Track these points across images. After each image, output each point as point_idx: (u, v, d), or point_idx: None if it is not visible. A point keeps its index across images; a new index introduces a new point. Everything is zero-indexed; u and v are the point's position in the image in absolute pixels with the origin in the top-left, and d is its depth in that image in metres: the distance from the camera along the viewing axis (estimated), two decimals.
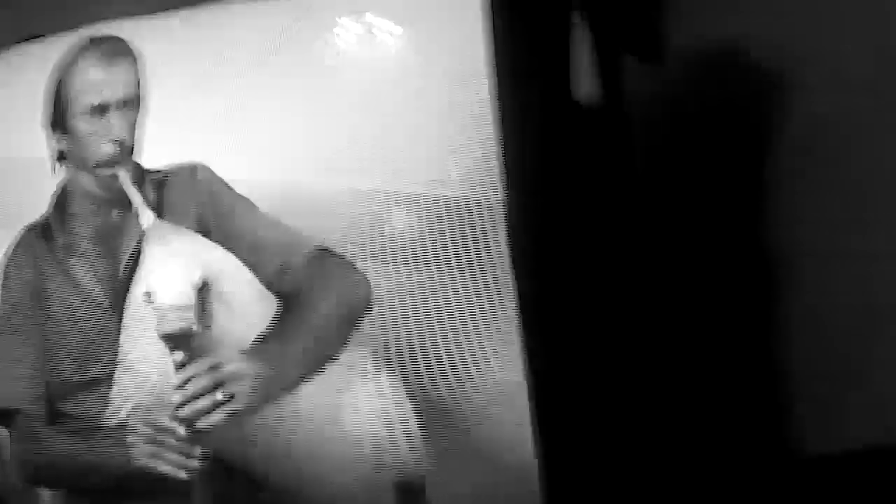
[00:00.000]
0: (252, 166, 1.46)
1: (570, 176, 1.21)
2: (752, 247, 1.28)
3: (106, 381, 1.38)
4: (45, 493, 1.46)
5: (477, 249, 1.25)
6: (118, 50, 1.42)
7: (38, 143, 1.47)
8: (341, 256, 1.34)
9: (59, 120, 1.45)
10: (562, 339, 1.22)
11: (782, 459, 1.26)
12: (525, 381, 1.19)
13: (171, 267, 1.28)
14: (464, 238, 1.26)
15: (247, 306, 1.31)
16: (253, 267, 1.34)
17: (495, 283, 1.24)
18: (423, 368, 1.28)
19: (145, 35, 1.44)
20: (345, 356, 1.29)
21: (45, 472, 1.43)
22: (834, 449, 1.24)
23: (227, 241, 1.36)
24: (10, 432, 1.45)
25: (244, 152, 1.47)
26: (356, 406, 1.28)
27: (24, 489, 1.46)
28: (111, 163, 1.41)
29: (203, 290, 1.27)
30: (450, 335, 1.26)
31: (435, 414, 1.28)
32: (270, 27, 1.42)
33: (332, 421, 1.28)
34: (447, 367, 1.26)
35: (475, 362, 1.25)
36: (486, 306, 1.25)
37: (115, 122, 1.40)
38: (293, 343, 1.29)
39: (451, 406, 1.26)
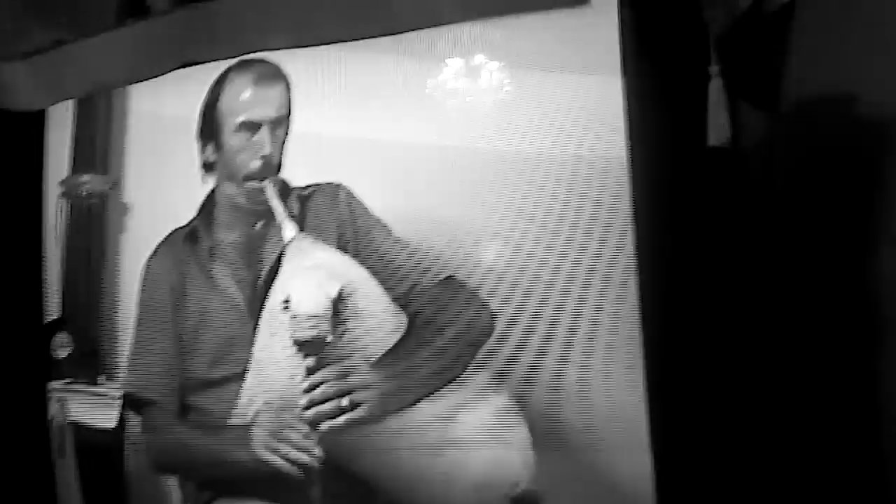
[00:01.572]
0: (385, 191, 1.52)
1: (700, 220, 1.21)
2: (866, 294, 1.24)
3: (236, 380, 1.47)
4: (172, 481, 1.55)
5: (604, 282, 1.29)
6: (271, 72, 1.53)
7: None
8: (467, 286, 1.39)
9: (211, 134, 1.56)
10: (684, 360, 1.21)
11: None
12: (644, 404, 1.20)
13: (311, 278, 1.37)
14: (590, 266, 1.30)
15: (377, 321, 1.37)
16: (385, 285, 1.41)
17: (618, 302, 1.26)
18: (539, 386, 1.32)
19: (297, 59, 1.52)
20: (464, 375, 1.34)
21: (171, 459, 1.53)
22: None
23: (364, 258, 1.44)
24: (143, 420, 1.55)
25: (377, 177, 1.54)
26: (472, 423, 1.33)
27: (152, 474, 1.56)
28: (258, 176, 1.51)
29: (339, 302, 1.35)
30: (568, 353, 1.30)
31: (550, 434, 1.31)
32: (405, 62, 1.47)
33: (447, 436, 1.33)
34: (563, 384, 1.30)
35: (593, 381, 1.29)
36: (607, 325, 1.28)
37: (266, 140, 1.51)
38: (418, 362, 1.36)
39: (567, 426, 1.30)
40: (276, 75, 1.53)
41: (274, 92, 1.53)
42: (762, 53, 1.20)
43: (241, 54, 1.50)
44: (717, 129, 1.11)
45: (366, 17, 1.36)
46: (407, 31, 1.35)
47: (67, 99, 1.57)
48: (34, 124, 1.57)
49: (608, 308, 1.28)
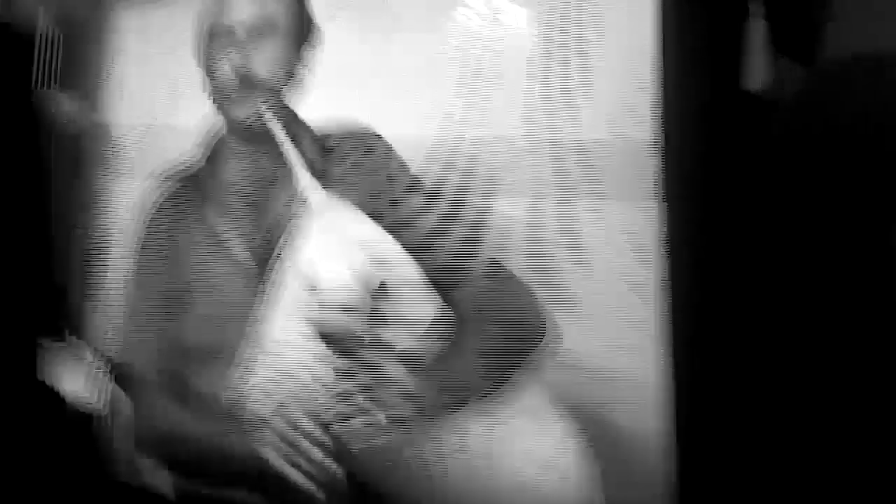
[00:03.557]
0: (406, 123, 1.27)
1: (731, 171, 1.13)
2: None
3: (245, 357, 1.23)
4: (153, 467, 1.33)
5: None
6: None
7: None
8: (517, 277, 1.17)
9: (199, 53, 1.30)
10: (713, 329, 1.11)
11: None
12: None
13: (343, 258, 1.11)
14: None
15: (418, 315, 1.14)
16: (429, 272, 1.17)
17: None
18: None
19: None
20: (515, 395, 1.12)
21: (162, 447, 1.30)
22: None
23: (400, 231, 1.19)
24: (131, 399, 1.32)
25: (399, 109, 1.28)
26: (528, 451, 1.11)
27: (135, 458, 1.34)
28: (232, 90, 1.25)
29: (377, 293, 1.10)
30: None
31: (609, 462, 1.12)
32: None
33: (499, 465, 1.12)
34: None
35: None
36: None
37: (238, 47, 1.25)
38: (461, 368, 1.13)
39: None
40: None
41: None
42: (802, 4, 1.13)
43: None
44: (755, 72, 1.06)
45: None
46: None
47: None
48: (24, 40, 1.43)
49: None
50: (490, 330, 1.15)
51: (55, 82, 1.42)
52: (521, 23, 1.23)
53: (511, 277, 1.17)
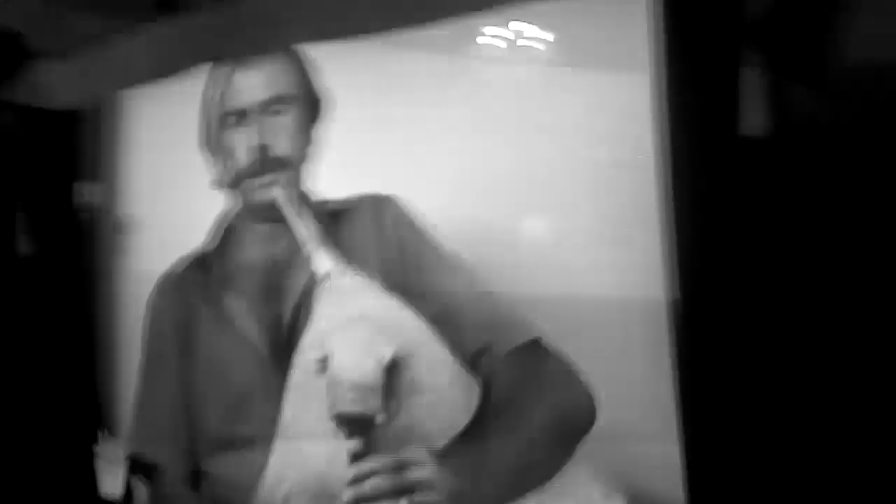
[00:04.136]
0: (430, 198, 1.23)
1: (733, 208, 1.08)
2: None
3: (258, 444, 1.18)
4: None
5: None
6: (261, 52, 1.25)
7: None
8: (560, 355, 1.08)
9: (208, 140, 1.28)
10: (717, 364, 1.04)
11: None
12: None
13: (355, 334, 1.06)
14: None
15: (441, 393, 1.07)
16: (450, 339, 1.11)
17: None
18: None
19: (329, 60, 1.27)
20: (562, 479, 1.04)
21: None
22: None
23: (419, 300, 1.13)
24: (149, 488, 1.28)
25: (422, 185, 1.25)
26: None
27: None
28: (251, 174, 1.22)
29: (392, 369, 1.05)
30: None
31: None
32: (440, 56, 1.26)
33: None
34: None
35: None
36: None
37: (254, 128, 1.22)
38: (496, 454, 1.04)
39: None
40: (267, 54, 1.25)
41: (264, 69, 1.24)
42: (805, 30, 1.10)
43: (270, 50, 1.26)
44: (750, 117, 1.02)
45: (402, 5, 1.18)
46: (445, 20, 1.16)
47: (102, 96, 1.46)
48: (71, 123, 1.49)
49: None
50: (532, 414, 1.07)
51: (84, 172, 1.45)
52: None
53: (552, 355, 1.09)
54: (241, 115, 1.24)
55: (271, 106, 1.24)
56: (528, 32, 1.17)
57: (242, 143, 1.23)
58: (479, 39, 1.19)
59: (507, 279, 1.17)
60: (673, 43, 1.06)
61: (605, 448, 1.06)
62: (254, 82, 1.24)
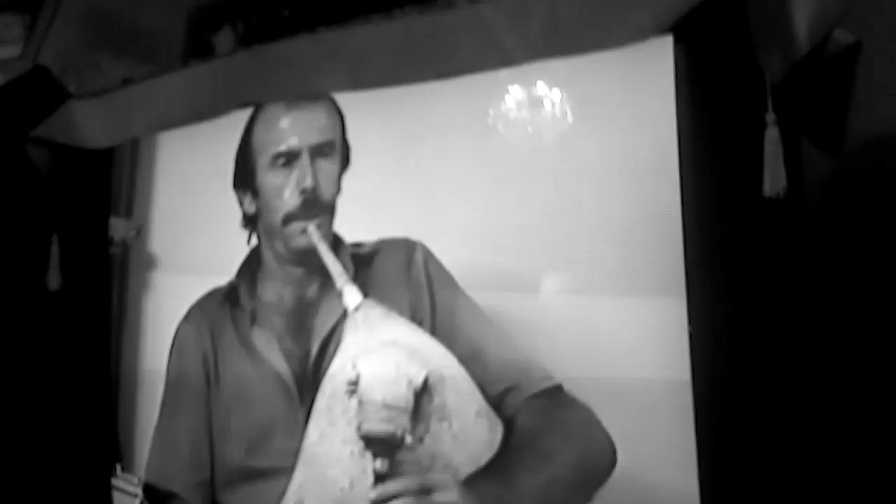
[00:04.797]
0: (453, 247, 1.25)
1: (756, 271, 1.07)
2: None
3: (279, 475, 1.19)
4: None
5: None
6: (309, 95, 1.28)
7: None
8: (581, 403, 1.09)
9: (246, 180, 1.31)
10: (743, 433, 1.01)
11: None
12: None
13: (388, 357, 1.09)
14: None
15: (467, 423, 1.08)
16: (476, 379, 1.12)
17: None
18: None
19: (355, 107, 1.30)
20: None
21: None
22: None
23: (448, 339, 1.15)
24: None
25: (441, 233, 1.27)
26: None
27: None
28: (301, 217, 1.24)
29: (423, 393, 1.07)
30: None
31: None
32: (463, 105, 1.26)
33: None
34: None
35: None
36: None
37: (307, 170, 1.25)
38: (517, 491, 1.05)
39: None
40: (315, 97, 1.28)
41: (314, 114, 1.28)
42: (823, 97, 1.10)
43: (301, 96, 1.29)
44: (773, 179, 1.03)
45: (426, 58, 1.20)
46: (468, 74, 1.18)
47: (133, 137, 1.50)
48: (104, 162, 1.52)
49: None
50: (555, 457, 1.07)
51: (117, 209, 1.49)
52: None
53: (574, 401, 1.09)
54: (292, 157, 1.26)
55: (322, 149, 1.26)
56: (551, 87, 1.20)
57: (292, 184, 1.25)
58: (503, 92, 1.22)
59: (526, 330, 1.18)
60: (696, 102, 1.08)
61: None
62: (305, 126, 1.27)
